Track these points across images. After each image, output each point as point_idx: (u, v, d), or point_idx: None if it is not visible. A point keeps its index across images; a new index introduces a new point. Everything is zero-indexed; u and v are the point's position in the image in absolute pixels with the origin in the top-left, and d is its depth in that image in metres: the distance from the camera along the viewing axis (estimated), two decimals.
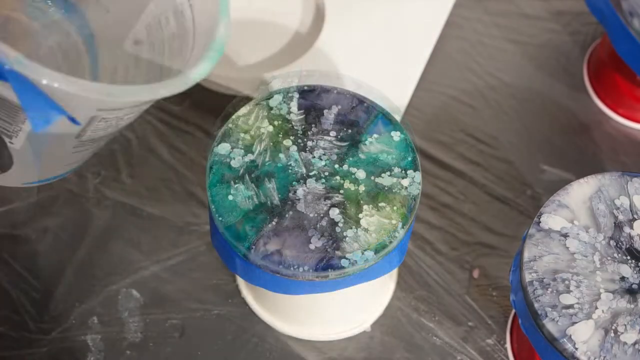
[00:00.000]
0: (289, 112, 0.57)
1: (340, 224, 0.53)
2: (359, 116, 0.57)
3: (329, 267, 0.53)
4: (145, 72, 0.59)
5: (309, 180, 0.55)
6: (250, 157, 0.56)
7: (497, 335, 0.65)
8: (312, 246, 0.53)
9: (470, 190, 0.71)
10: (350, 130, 0.57)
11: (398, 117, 0.72)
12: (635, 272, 0.53)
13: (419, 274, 0.67)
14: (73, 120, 0.47)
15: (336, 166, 0.55)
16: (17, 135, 0.50)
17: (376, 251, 0.53)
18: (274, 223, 0.53)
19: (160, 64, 0.59)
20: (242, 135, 0.56)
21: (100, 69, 0.61)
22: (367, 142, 0.56)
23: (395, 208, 0.54)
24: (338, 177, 0.55)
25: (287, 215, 0.54)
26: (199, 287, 0.67)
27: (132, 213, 0.69)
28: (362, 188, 0.55)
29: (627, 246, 0.54)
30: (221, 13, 0.55)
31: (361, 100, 0.58)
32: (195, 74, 0.52)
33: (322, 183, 0.55)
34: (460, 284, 0.67)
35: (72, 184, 0.70)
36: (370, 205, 0.54)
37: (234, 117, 0.57)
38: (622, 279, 0.53)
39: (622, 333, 0.51)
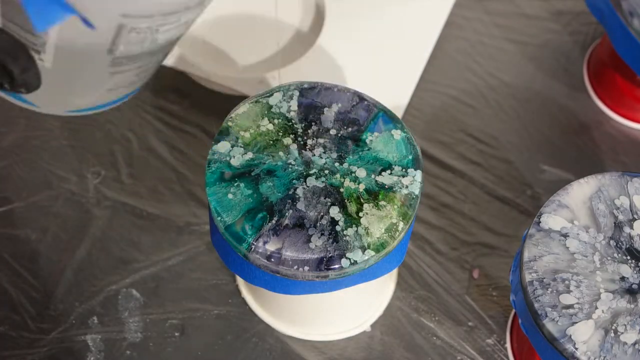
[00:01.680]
0: (289, 110, 0.57)
1: (341, 223, 0.53)
2: (359, 114, 0.57)
3: (329, 267, 0.53)
4: None
5: (309, 178, 0.55)
6: (250, 155, 0.55)
7: (497, 335, 0.65)
8: (312, 245, 0.53)
9: (470, 190, 0.71)
10: (350, 129, 0.57)
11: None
12: (635, 272, 0.53)
13: (419, 274, 0.67)
14: (85, 21, 0.40)
15: (336, 164, 0.55)
16: (44, 51, 0.44)
17: (376, 251, 0.53)
18: (273, 222, 0.53)
19: None
20: (242, 133, 0.56)
21: None
22: (367, 141, 0.56)
23: (395, 207, 0.54)
24: (338, 176, 0.55)
25: (287, 214, 0.54)
26: (199, 287, 0.67)
27: (132, 213, 0.69)
28: (362, 187, 0.54)
29: (627, 246, 0.54)
30: None
31: (362, 98, 0.58)
32: None
33: (322, 181, 0.55)
34: (460, 284, 0.67)
35: (72, 184, 0.70)
36: (371, 204, 0.54)
37: (233, 115, 0.57)
38: (622, 279, 0.53)
39: (622, 333, 0.51)
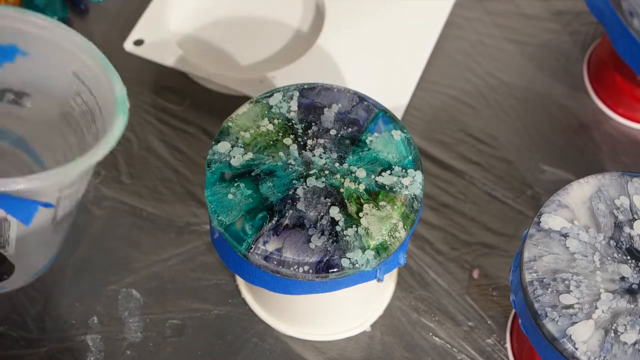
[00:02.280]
0: (289, 111, 0.57)
1: (341, 223, 0.53)
2: (359, 115, 0.57)
3: (329, 267, 0.53)
4: (78, 146, 0.65)
5: (309, 179, 0.55)
6: (250, 155, 0.56)
7: (497, 335, 0.65)
8: (312, 245, 0.53)
9: (470, 190, 0.71)
10: (350, 129, 0.57)
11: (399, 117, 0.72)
12: (635, 272, 0.53)
13: (419, 274, 0.67)
14: (47, 205, 0.56)
15: (336, 165, 0.55)
16: (8, 243, 0.57)
17: (377, 251, 0.53)
18: (273, 222, 0.53)
19: (84, 137, 0.64)
20: (242, 133, 0.56)
21: (45, 156, 0.67)
22: (367, 141, 0.56)
23: (395, 207, 0.54)
24: (338, 176, 0.55)
25: (287, 214, 0.54)
26: (199, 287, 0.67)
27: (132, 213, 0.69)
28: (362, 187, 0.54)
29: (627, 246, 0.54)
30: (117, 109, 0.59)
31: (362, 99, 0.58)
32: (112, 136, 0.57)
33: (322, 182, 0.55)
34: (460, 284, 0.67)
35: None
36: (371, 204, 0.54)
37: (233, 115, 0.57)
38: (622, 279, 0.53)
39: (622, 333, 0.51)
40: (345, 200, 0.54)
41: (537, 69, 0.77)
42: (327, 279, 0.53)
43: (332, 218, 0.53)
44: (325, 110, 0.57)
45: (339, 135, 0.56)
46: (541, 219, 0.55)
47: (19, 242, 0.58)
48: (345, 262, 0.52)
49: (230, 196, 0.54)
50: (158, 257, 0.68)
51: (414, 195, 0.54)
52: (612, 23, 0.67)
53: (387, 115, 0.57)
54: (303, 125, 0.57)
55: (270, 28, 0.77)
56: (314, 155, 0.56)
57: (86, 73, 0.62)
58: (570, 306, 0.52)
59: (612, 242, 0.54)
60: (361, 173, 0.55)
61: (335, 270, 0.53)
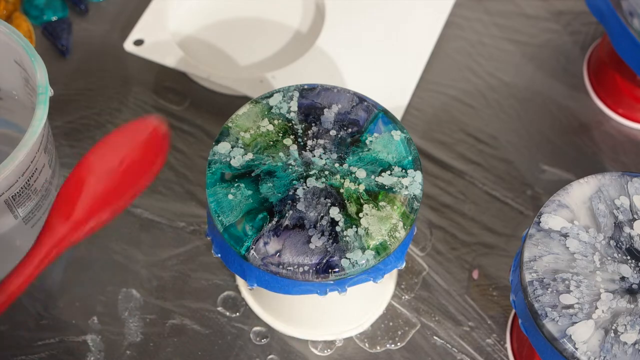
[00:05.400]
0: (289, 111, 0.57)
1: (341, 223, 0.53)
2: (359, 115, 0.57)
3: (329, 268, 0.53)
4: None
5: (309, 179, 0.55)
6: (250, 156, 0.56)
7: (497, 335, 0.65)
8: (312, 246, 0.53)
9: (470, 190, 0.71)
10: (350, 129, 0.57)
11: (398, 117, 0.72)
12: (635, 272, 0.53)
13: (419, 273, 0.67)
14: None
15: (336, 165, 0.55)
16: None
17: (377, 251, 0.53)
18: (273, 223, 0.53)
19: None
20: (242, 134, 0.56)
21: None
22: (367, 142, 0.56)
23: (395, 207, 0.54)
24: (338, 176, 0.55)
25: (287, 215, 0.54)
26: (199, 287, 0.67)
27: (132, 213, 0.69)
28: (362, 187, 0.54)
29: (627, 246, 0.54)
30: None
31: (361, 99, 0.58)
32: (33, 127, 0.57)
33: (322, 182, 0.55)
34: (460, 284, 0.67)
35: None
36: (371, 205, 0.54)
37: (233, 116, 0.57)
38: (622, 279, 0.53)
39: (622, 333, 0.51)
40: (345, 201, 0.54)
41: (537, 69, 0.77)
42: (327, 280, 0.53)
43: (332, 218, 0.53)
44: (325, 110, 0.57)
45: (339, 135, 0.56)
46: (541, 219, 0.55)
47: None
48: (345, 263, 0.52)
49: (230, 197, 0.54)
50: (158, 257, 0.68)
51: (414, 195, 0.54)
52: (612, 23, 0.67)
53: (386, 116, 0.57)
54: (303, 125, 0.57)
55: (270, 28, 0.77)
56: (314, 156, 0.56)
57: (24, 60, 0.61)
58: (570, 306, 0.52)
59: (612, 242, 0.54)
60: (361, 173, 0.55)
61: (335, 270, 0.53)
